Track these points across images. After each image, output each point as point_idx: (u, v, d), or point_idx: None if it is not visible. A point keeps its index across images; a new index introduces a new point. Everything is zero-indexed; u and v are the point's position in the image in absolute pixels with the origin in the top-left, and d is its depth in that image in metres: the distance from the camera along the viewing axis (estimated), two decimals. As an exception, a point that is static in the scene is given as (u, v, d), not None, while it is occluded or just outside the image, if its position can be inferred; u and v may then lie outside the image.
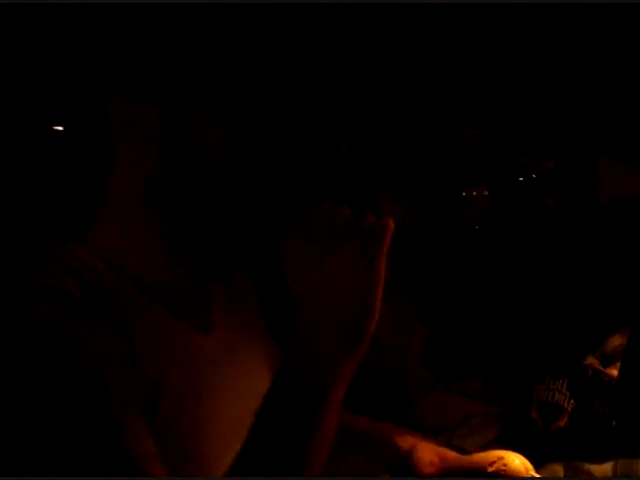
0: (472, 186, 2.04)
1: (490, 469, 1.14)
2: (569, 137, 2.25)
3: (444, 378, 1.76)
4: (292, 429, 0.83)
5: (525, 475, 1.15)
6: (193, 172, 0.97)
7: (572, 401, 1.77)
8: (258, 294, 1.26)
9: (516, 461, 1.15)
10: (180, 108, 0.95)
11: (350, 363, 0.84)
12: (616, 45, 1.94)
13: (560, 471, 1.66)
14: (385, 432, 1.33)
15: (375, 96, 2.16)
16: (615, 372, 1.78)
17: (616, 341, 1.83)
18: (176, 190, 0.98)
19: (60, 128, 2.48)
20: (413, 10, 1.90)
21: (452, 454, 1.26)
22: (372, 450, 1.29)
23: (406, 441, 1.27)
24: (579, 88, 2.13)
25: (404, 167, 1.78)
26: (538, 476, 1.20)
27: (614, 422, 1.70)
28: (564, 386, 1.79)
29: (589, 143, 2.23)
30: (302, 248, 0.85)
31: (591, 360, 1.82)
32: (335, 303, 0.83)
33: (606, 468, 1.63)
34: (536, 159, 2.23)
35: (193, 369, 0.98)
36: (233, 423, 1.00)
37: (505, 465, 1.14)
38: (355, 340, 0.83)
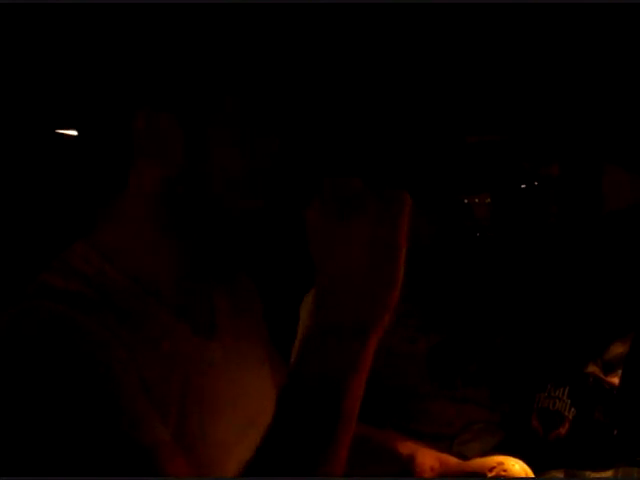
0: (474, 193, 2.04)
1: (490, 474, 1.14)
2: (573, 144, 2.25)
3: (446, 386, 1.76)
4: (319, 404, 0.81)
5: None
6: (212, 177, 0.98)
7: (573, 409, 1.76)
8: (261, 298, 1.26)
9: (516, 466, 1.16)
10: (200, 113, 0.96)
11: (373, 334, 0.82)
12: (621, 53, 1.94)
13: (561, 478, 1.66)
14: (386, 439, 1.32)
15: (377, 102, 2.17)
16: (616, 380, 1.77)
17: (617, 349, 1.83)
18: (192, 194, 0.99)
19: (74, 133, 2.49)
20: (416, 17, 1.90)
21: (453, 460, 1.26)
22: (372, 457, 1.29)
23: (407, 447, 1.27)
24: (583, 95, 2.13)
25: (407, 174, 1.78)
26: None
27: (615, 430, 1.70)
28: (565, 394, 1.79)
29: (593, 150, 2.23)
30: (321, 219, 0.83)
31: (592, 368, 1.82)
32: (353, 272, 0.81)
33: (607, 476, 1.63)
34: (539, 166, 2.23)
35: (196, 372, 0.98)
36: (235, 426, 1.01)
37: (505, 470, 1.14)
38: (375, 311, 0.81)
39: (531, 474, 1.18)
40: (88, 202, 1.06)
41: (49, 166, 2.76)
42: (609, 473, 1.63)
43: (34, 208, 2.76)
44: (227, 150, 0.97)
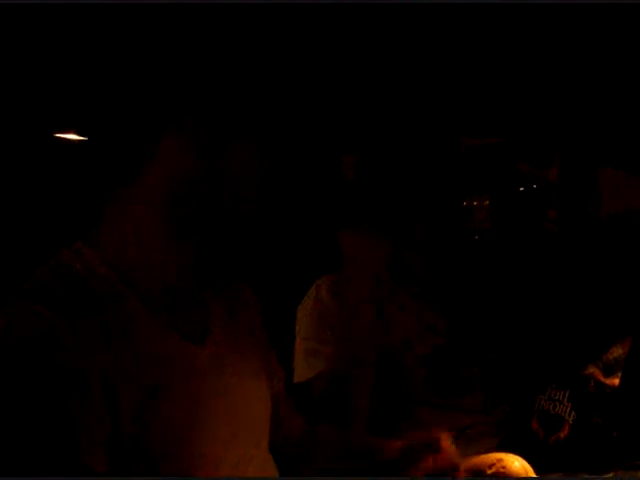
0: (473, 196, 2.04)
1: (489, 471, 1.14)
2: (571, 147, 2.25)
3: (442, 393, 1.75)
4: None
5: (524, 477, 1.15)
6: (223, 185, 1.01)
7: (573, 413, 1.76)
8: (262, 306, 1.26)
9: (515, 463, 1.15)
10: (221, 125, 1.00)
11: None
12: (619, 56, 1.94)
13: (560, 482, 1.65)
14: (385, 440, 1.32)
15: (374, 106, 2.17)
16: (617, 381, 1.77)
17: (618, 350, 1.83)
18: (199, 196, 1.01)
19: (74, 136, 2.50)
20: (413, 19, 1.90)
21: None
22: (373, 455, 1.29)
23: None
24: (581, 98, 2.13)
25: (405, 177, 1.78)
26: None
27: (615, 433, 1.69)
28: (566, 397, 1.78)
29: (591, 153, 2.23)
30: None
31: (593, 369, 1.82)
32: None
33: (606, 478, 1.62)
34: (537, 169, 2.23)
35: (186, 379, 0.99)
36: (222, 438, 1.01)
37: (504, 467, 1.14)
38: None
39: (530, 471, 1.18)
40: (90, 202, 1.07)
41: (50, 168, 2.77)
42: (608, 477, 1.62)
43: (36, 209, 2.77)
44: (244, 155, 1.01)
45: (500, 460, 1.15)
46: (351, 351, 1.54)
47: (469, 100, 2.14)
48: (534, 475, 1.18)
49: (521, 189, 2.20)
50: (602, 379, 1.80)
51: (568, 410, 1.76)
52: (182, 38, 1.02)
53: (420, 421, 1.70)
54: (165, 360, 0.98)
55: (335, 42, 1.95)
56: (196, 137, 0.99)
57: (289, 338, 1.73)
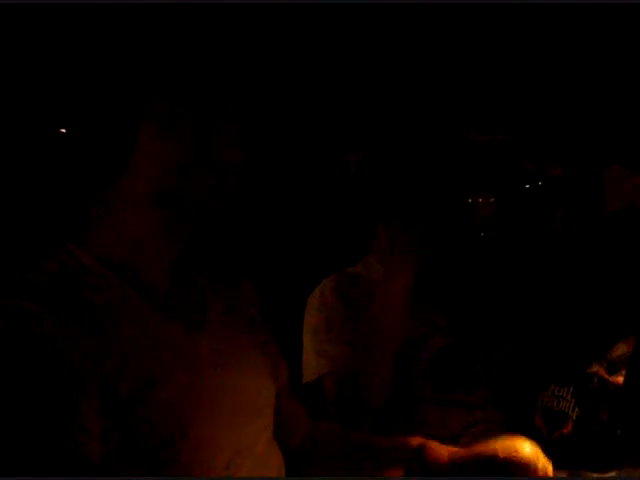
0: (479, 193, 2.04)
1: (501, 456, 1.12)
2: (576, 145, 2.25)
3: (448, 390, 1.75)
4: None
5: (536, 462, 1.13)
6: (205, 176, 1.00)
7: (577, 409, 1.76)
8: (264, 299, 1.26)
9: (527, 448, 1.14)
10: (204, 114, 0.99)
11: None
12: (624, 53, 1.94)
13: (563, 479, 1.66)
14: (394, 437, 1.33)
15: (379, 103, 2.17)
16: (621, 380, 1.77)
17: (621, 349, 1.83)
18: (185, 192, 1.00)
19: (63, 130, 2.49)
20: (419, 17, 1.91)
21: (461, 449, 1.24)
22: (384, 453, 1.28)
23: (415, 440, 1.27)
24: (587, 95, 2.13)
25: (411, 174, 1.78)
26: (549, 463, 1.17)
27: (619, 430, 1.69)
28: (569, 394, 1.78)
29: (596, 151, 2.23)
30: None
31: (597, 368, 1.82)
32: None
33: (610, 476, 1.63)
34: (543, 166, 2.23)
35: (184, 368, 1.00)
36: (224, 426, 1.01)
37: (516, 451, 1.13)
38: None
39: (542, 456, 1.16)
40: (78, 203, 1.07)
41: (44, 165, 2.77)
42: (612, 473, 1.63)
43: (28, 208, 2.77)
44: (232, 145, 0.99)
45: (512, 445, 1.14)
46: (369, 348, 1.55)
47: (475, 97, 2.14)
48: (545, 459, 1.17)
49: (526, 186, 2.21)
50: (606, 377, 1.81)
51: (572, 406, 1.76)
52: (164, 23, 1.02)
53: (425, 418, 1.69)
54: (163, 350, 0.98)
55: (337, 39, 1.95)
56: (174, 124, 0.98)
57: (292, 335, 1.73)
